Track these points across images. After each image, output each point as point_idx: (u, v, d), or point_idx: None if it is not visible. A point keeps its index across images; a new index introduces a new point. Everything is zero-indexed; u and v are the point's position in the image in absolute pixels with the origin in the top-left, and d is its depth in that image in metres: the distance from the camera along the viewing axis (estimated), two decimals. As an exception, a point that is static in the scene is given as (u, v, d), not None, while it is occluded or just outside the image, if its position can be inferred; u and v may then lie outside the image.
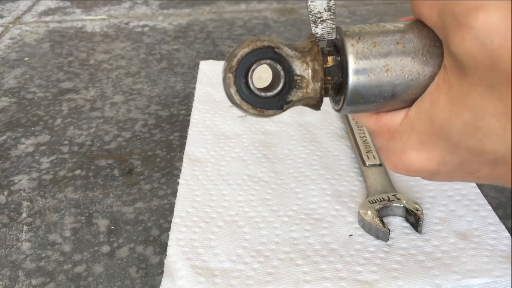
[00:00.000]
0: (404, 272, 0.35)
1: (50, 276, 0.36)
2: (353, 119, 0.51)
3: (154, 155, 0.50)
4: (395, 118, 0.27)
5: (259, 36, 0.26)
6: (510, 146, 0.22)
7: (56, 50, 0.77)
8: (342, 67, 0.26)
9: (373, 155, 0.45)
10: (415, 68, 0.25)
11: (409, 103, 0.26)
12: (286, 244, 0.38)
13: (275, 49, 0.25)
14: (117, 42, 0.79)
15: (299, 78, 0.26)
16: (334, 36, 0.27)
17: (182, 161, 0.47)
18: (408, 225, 0.39)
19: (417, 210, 0.38)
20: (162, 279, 0.35)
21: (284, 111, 0.26)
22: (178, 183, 0.44)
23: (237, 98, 0.26)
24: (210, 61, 0.68)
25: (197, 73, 0.65)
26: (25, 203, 0.44)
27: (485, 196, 0.42)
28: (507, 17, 0.19)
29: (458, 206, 0.40)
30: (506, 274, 0.34)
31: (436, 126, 0.24)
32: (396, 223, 0.39)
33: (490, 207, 0.40)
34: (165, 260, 0.36)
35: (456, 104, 0.22)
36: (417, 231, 0.38)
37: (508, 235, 0.37)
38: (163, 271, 0.36)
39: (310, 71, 0.26)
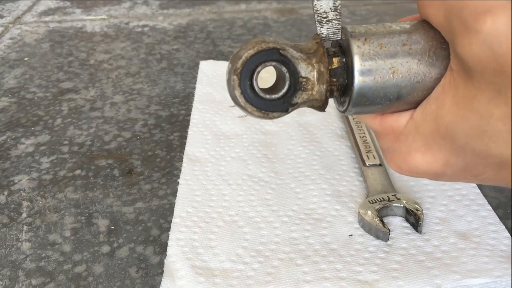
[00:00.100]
0: (404, 272, 0.35)
1: (50, 276, 0.36)
2: (354, 119, 0.51)
3: (154, 155, 0.50)
4: (400, 120, 0.27)
5: (264, 37, 0.26)
6: None
7: (56, 50, 0.77)
8: (347, 69, 0.26)
9: (373, 155, 0.45)
10: (421, 70, 0.25)
11: (415, 105, 0.26)
12: (286, 244, 0.38)
13: (281, 51, 0.25)
14: (117, 42, 0.79)
15: (304, 80, 0.26)
16: (340, 36, 0.27)
17: (182, 161, 0.47)
18: (408, 225, 0.39)
19: (417, 210, 0.38)
20: (162, 279, 0.35)
21: (289, 113, 0.26)
22: (178, 183, 0.44)
23: (241, 100, 0.25)
24: (210, 61, 0.68)
25: (197, 73, 0.65)
26: (25, 203, 0.44)
27: (485, 196, 0.42)
28: None
29: (458, 206, 0.40)
30: (506, 274, 0.34)
31: (441, 128, 0.24)
32: (396, 223, 0.39)
33: (490, 207, 0.40)
34: (165, 260, 0.36)
35: (462, 107, 0.22)
36: (417, 231, 0.38)
37: (508, 235, 0.37)
38: (163, 271, 0.36)
39: (315, 73, 0.26)
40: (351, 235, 0.38)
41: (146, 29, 0.84)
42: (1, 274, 0.37)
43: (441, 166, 0.25)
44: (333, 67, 0.26)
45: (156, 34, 0.82)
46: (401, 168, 0.27)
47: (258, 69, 0.25)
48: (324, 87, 0.26)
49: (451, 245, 0.37)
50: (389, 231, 0.37)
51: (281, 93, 0.26)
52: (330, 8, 0.26)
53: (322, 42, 0.26)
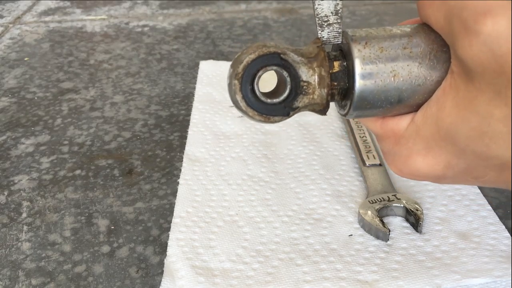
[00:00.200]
0: (404, 272, 0.35)
1: (50, 276, 0.36)
2: (354, 119, 0.51)
3: (154, 155, 0.50)
4: (401, 123, 0.27)
5: (265, 41, 0.26)
6: None
7: (56, 50, 0.77)
8: (348, 72, 0.26)
9: (373, 155, 0.45)
10: (422, 73, 0.25)
11: (416, 108, 0.26)
12: (286, 244, 0.38)
13: (281, 55, 0.25)
14: (117, 42, 0.79)
15: (305, 84, 0.26)
16: (340, 40, 0.27)
17: (182, 161, 0.47)
18: (408, 225, 0.39)
19: (417, 210, 0.38)
20: (162, 279, 0.35)
21: (290, 117, 0.26)
22: (178, 183, 0.44)
23: (243, 104, 0.25)
24: (210, 61, 0.68)
25: (197, 73, 0.65)
26: (25, 203, 0.44)
27: (485, 196, 0.42)
28: None
29: (458, 206, 0.41)
30: (506, 274, 0.34)
31: (442, 130, 0.24)
32: (396, 223, 0.39)
33: (490, 207, 0.40)
34: (165, 260, 0.36)
35: (463, 109, 0.22)
36: (417, 231, 0.38)
37: (508, 235, 0.37)
38: (163, 271, 0.36)
39: (316, 77, 0.26)
40: (351, 235, 0.38)
41: (146, 29, 0.84)
42: (1, 274, 0.37)
43: (442, 169, 0.25)
44: (334, 71, 0.26)
45: (156, 34, 0.82)
46: (402, 171, 0.27)
47: (259, 73, 0.25)
48: (325, 91, 0.26)
49: (451, 245, 0.37)
50: (389, 231, 0.37)
51: (282, 97, 0.26)
52: (331, 12, 0.26)
53: (323, 46, 0.26)
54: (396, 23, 0.27)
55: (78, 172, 0.48)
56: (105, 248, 0.39)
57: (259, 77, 0.25)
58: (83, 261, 0.37)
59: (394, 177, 0.44)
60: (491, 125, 0.21)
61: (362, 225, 0.39)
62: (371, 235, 0.38)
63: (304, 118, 0.54)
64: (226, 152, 0.49)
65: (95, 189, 0.45)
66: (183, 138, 0.52)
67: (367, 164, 0.44)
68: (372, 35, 0.25)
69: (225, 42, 0.77)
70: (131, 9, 0.94)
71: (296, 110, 0.26)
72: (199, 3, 0.96)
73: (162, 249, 0.38)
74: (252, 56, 0.25)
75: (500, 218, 0.39)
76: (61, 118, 0.57)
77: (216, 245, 0.38)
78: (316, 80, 0.26)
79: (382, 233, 0.37)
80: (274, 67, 0.25)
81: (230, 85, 0.25)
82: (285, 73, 0.25)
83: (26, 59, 0.74)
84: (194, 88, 0.61)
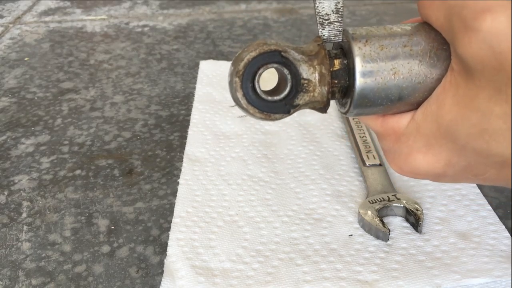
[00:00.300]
0: (404, 272, 0.35)
1: (50, 276, 0.36)
2: (354, 119, 0.51)
3: (154, 155, 0.50)
4: (401, 121, 0.27)
5: (266, 39, 0.26)
6: None
7: (56, 50, 0.77)
8: (349, 70, 0.26)
9: (373, 155, 0.45)
10: (423, 71, 0.25)
11: (416, 106, 0.26)
12: (286, 244, 0.38)
13: (282, 53, 0.25)
14: (117, 42, 0.79)
15: (306, 82, 0.26)
16: (341, 38, 0.27)
17: (182, 161, 0.47)
18: (408, 225, 0.39)
19: (417, 210, 0.38)
20: (162, 279, 0.35)
21: (290, 114, 0.26)
22: (178, 183, 0.44)
23: (243, 102, 0.25)
24: (210, 61, 0.68)
25: (197, 73, 0.65)
26: (25, 203, 0.44)
27: (485, 196, 0.42)
28: None
29: (458, 206, 0.41)
30: (506, 274, 0.34)
31: (442, 128, 0.24)
32: (396, 223, 0.39)
33: (490, 207, 0.40)
34: (165, 260, 0.36)
35: (463, 106, 0.22)
36: (417, 231, 0.38)
37: (508, 235, 0.37)
38: (163, 271, 0.36)
39: (317, 74, 0.26)
40: (351, 235, 0.38)
41: (146, 29, 0.84)
42: (1, 274, 0.37)
43: (442, 167, 0.25)
44: (335, 69, 0.26)
45: (156, 34, 0.82)
46: (402, 169, 0.27)
47: (260, 71, 0.25)
48: (326, 88, 0.26)
49: (451, 245, 0.37)
50: (389, 231, 0.37)
51: (283, 95, 0.26)
52: (332, 10, 0.26)
53: (323, 44, 0.26)
54: (396, 23, 0.27)
55: (78, 172, 0.48)
56: (105, 248, 0.39)
57: (260, 74, 0.25)
58: (83, 261, 0.38)
59: (394, 177, 0.44)
60: (491, 122, 0.22)
61: (362, 225, 0.39)
62: (371, 235, 0.38)
63: (304, 118, 0.54)
64: (226, 152, 0.49)
65: (95, 189, 0.45)
66: (183, 138, 0.52)
67: (367, 164, 0.44)
68: (373, 33, 0.25)
69: (225, 42, 0.77)
70: (131, 9, 0.94)
71: (297, 107, 0.26)
72: (199, 3, 0.96)
73: (162, 249, 0.38)
74: (253, 54, 0.25)
75: (500, 218, 0.39)
76: (61, 118, 0.57)
77: (216, 245, 0.38)
78: (317, 78, 0.26)
79: (382, 233, 0.37)
80: (275, 65, 0.25)
81: (231, 82, 0.25)
82: (285, 71, 0.25)
83: (26, 59, 0.74)
84: (194, 88, 0.61)
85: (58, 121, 0.57)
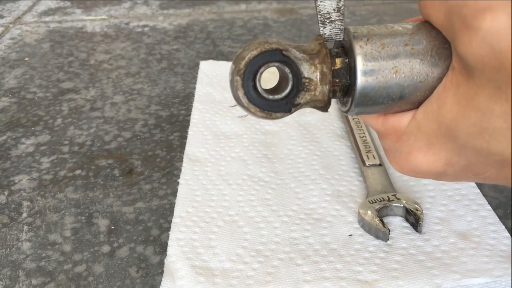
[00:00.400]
0: (404, 272, 0.35)
1: (50, 276, 0.36)
2: (354, 119, 0.51)
3: (154, 155, 0.50)
4: (402, 120, 0.27)
5: (267, 38, 0.26)
6: None
7: (57, 50, 0.77)
8: (350, 69, 0.26)
9: (373, 155, 0.45)
10: (424, 69, 0.25)
11: (417, 105, 0.26)
12: (286, 244, 0.38)
13: (283, 52, 0.25)
14: (117, 42, 0.79)
15: (307, 80, 0.26)
16: (342, 37, 0.27)
17: (182, 161, 0.47)
18: (408, 225, 0.39)
19: (417, 210, 0.38)
20: (162, 279, 0.35)
21: (291, 113, 0.26)
22: (178, 183, 0.44)
23: (244, 101, 0.25)
24: (210, 61, 0.68)
25: (197, 73, 0.65)
26: (25, 203, 0.44)
27: (485, 196, 0.42)
28: None
29: (458, 206, 0.41)
30: (506, 274, 0.34)
31: (443, 127, 0.24)
32: (396, 223, 0.39)
33: (490, 207, 0.40)
34: (165, 260, 0.36)
35: (464, 105, 0.22)
36: (417, 231, 0.38)
37: (508, 235, 0.37)
38: (163, 271, 0.36)
39: (318, 73, 0.26)
40: (351, 235, 0.38)
41: (146, 29, 0.84)
42: (2, 274, 0.37)
43: (442, 166, 0.25)
44: (336, 67, 0.26)
45: (156, 34, 0.82)
46: (403, 168, 0.27)
47: (261, 70, 0.25)
48: (327, 87, 0.26)
49: (451, 245, 0.37)
50: (389, 231, 0.37)
51: (284, 94, 0.26)
52: (333, 9, 0.26)
53: (324, 43, 0.26)
54: (397, 23, 0.27)
55: (78, 172, 0.48)
56: (105, 248, 0.39)
57: (261, 73, 0.25)
58: (83, 261, 0.38)
59: (394, 177, 0.44)
60: (491, 121, 0.22)
61: (362, 225, 0.39)
62: (371, 235, 0.38)
63: (304, 118, 0.54)
64: (226, 152, 0.49)
65: (95, 189, 0.45)
66: (183, 138, 0.52)
67: (367, 164, 0.44)
68: (374, 32, 0.25)
69: (225, 42, 0.77)
70: (131, 9, 0.94)
71: (298, 106, 0.26)
72: (199, 3, 0.96)
73: (162, 249, 0.38)
74: (254, 53, 0.25)
75: (500, 218, 0.39)
76: (61, 118, 0.57)
77: (216, 245, 0.38)
78: (318, 77, 0.26)
79: (382, 233, 0.37)
80: (276, 64, 0.25)
81: (232, 81, 0.25)
82: (287, 70, 0.25)
83: (26, 59, 0.74)
84: (194, 88, 0.61)
85: (58, 121, 0.57)
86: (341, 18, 0.26)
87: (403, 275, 0.34)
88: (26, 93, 0.64)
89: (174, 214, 0.41)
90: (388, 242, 0.37)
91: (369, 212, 0.38)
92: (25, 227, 0.41)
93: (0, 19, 0.91)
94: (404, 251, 0.36)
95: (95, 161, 0.49)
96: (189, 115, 0.55)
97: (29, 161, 0.50)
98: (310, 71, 0.26)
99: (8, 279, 0.36)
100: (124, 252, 0.38)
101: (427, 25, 0.25)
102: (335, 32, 0.27)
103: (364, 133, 0.49)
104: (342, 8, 0.26)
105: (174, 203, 0.42)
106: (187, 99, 0.60)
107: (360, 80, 0.25)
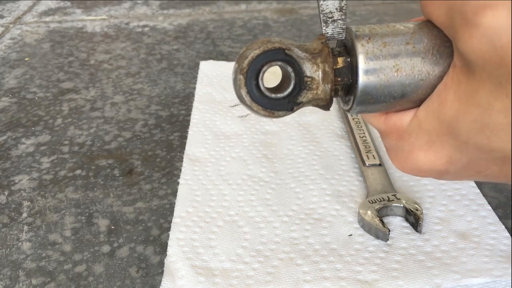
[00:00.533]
0: (404, 272, 0.35)
1: (50, 275, 0.36)
2: (353, 119, 0.51)
3: (154, 155, 0.50)
4: (404, 118, 0.27)
5: (270, 37, 0.26)
6: None
7: (57, 50, 0.77)
8: (352, 68, 0.26)
9: (373, 155, 0.45)
10: (425, 68, 0.25)
11: (419, 103, 0.26)
12: (286, 244, 0.38)
13: (286, 51, 0.25)
14: (117, 42, 0.79)
15: (309, 79, 0.26)
16: (344, 36, 0.27)
17: (182, 161, 0.47)
18: (408, 225, 0.39)
19: (417, 210, 0.38)
20: (162, 279, 0.35)
21: (294, 112, 0.27)
22: (178, 183, 0.44)
23: (247, 99, 0.26)
24: (210, 61, 0.68)
25: (197, 73, 0.65)
26: (25, 203, 0.44)
27: (485, 196, 0.42)
28: None
29: (457, 206, 0.41)
30: (506, 273, 0.34)
31: (444, 125, 0.24)
32: (396, 223, 0.39)
33: (489, 207, 0.40)
34: (165, 260, 0.36)
35: (465, 101, 0.23)
36: (417, 231, 0.38)
37: (508, 235, 0.37)
38: (163, 271, 0.36)
39: (320, 72, 0.26)
40: (351, 235, 0.38)
41: (146, 29, 0.84)
42: (2, 273, 0.37)
43: (444, 164, 0.25)
44: (338, 66, 0.26)
45: (156, 34, 0.82)
46: (404, 167, 0.27)
47: (264, 68, 0.25)
48: (329, 86, 0.26)
49: (450, 245, 0.37)
50: (389, 231, 0.37)
51: (286, 93, 0.26)
52: (336, 8, 0.26)
53: (327, 42, 0.27)
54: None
55: (78, 172, 0.48)
56: (106, 248, 0.39)
57: (264, 72, 0.25)
58: (84, 261, 0.38)
59: (394, 177, 0.44)
60: (492, 117, 0.22)
61: (362, 225, 0.39)
62: (371, 235, 0.38)
63: (304, 118, 0.54)
64: (226, 152, 0.49)
65: (95, 189, 0.45)
66: (183, 138, 0.52)
67: (367, 164, 0.44)
68: (376, 31, 0.26)
69: (225, 42, 0.77)
70: (131, 9, 0.94)
71: (300, 105, 0.26)
72: (199, 3, 0.96)
73: (162, 249, 0.38)
74: (257, 52, 0.25)
75: (500, 218, 0.39)
76: (61, 118, 0.57)
77: (216, 245, 0.38)
78: (320, 76, 0.26)
79: (382, 233, 0.37)
80: (279, 63, 0.26)
81: (235, 80, 0.26)
82: (289, 69, 0.26)
83: (26, 59, 0.74)
84: (194, 88, 0.61)
85: (58, 121, 0.57)
86: (343, 17, 0.27)
87: (403, 275, 0.34)
88: (26, 93, 0.64)
89: (174, 214, 0.41)
90: (388, 242, 0.37)
91: (369, 212, 0.38)
92: (25, 227, 0.41)
93: (0, 19, 0.91)
94: (404, 251, 0.36)
95: (95, 161, 0.49)
96: (189, 115, 0.55)
97: (29, 161, 0.50)
98: (312, 70, 0.26)
99: (8, 279, 0.36)
100: (124, 252, 0.38)
101: (428, 24, 0.25)
102: (337, 31, 0.27)
103: (364, 133, 0.49)
104: (344, 8, 0.26)
105: (174, 203, 0.42)
106: (187, 99, 0.60)
107: (362, 78, 0.25)
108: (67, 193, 0.45)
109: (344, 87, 0.27)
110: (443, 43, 0.25)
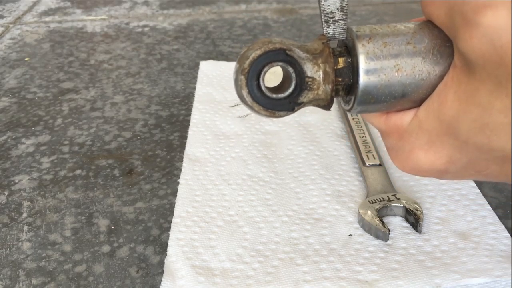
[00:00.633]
0: (404, 272, 0.35)
1: (50, 275, 0.36)
2: (353, 119, 0.51)
3: (154, 155, 0.50)
4: (405, 118, 0.27)
5: (271, 38, 0.26)
6: None
7: (57, 50, 0.77)
8: (352, 68, 0.26)
9: (373, 155, 0.45)
10: (426, 68, 0.25)
11: (419, 103, 0.26)
12: (286, 244, 0.38)
13: (287, 51, 0.26)
14: (117, 42, 0.79)
15: (310, 80, 0.26)
16: (345, 36, 0.27)
17: (182, 161, 0.47)
18: (408, 225, 0.39)
19: (416, 210, 0.38)
20: (162, 279, 0.35)
21: (295, 112, 0.27)
22: (178, 183, 0.44)
23: (248, 99, 0.26)
24: (210, 61, 0.68)
25: (197, 73, 0.65)
26: (25, 203, 0.44)
27: (485, 196, 0.42)
28: None
29: (457, 206, 0.41)
30: (506, 273, 0.34)
31: (444, 124, 0.24)
32: (396, 223, 0.39)
33: (489, 207, 0.40)
34: (165, 260, 0.36)
35: (465, 101, 0.23)
36: (416, 231, 0.38)
37: (508, 235, 0.37)
38: (163, 270, 0.36)
39: (321, 73, 0.26)
40: (351, 235, 0.38)
41: (146, 29, 0.84)
42: (2, 273, 0.37)
43: (444, 163, 0.25)
44: (339, 67, 0.26)
45: (156, 34, 0.82)
46: (404, 166, 0.27)
47: (265, 69, 0.25)
48: (330, 86, 0.26)
49: (450, 244, 0.37)
50: (389, 231, 0.37)
51: (287, 93, 0.26)
52: (337, 9, 0.26)
53: (328, 42, 0.27)
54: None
55: (78, 172, 0.48)
56: (106, 248, 0.39)
57: (265, 72, 0.26)
58: (84, 261, 0.38)
59: (394, 177, 0.44)
60: (492, 116, 0.22)
61: (362, 225, 0.39)
62: (371, 235, 0.38)
63: (304, 118, 0.54)
64: (226, 152, 0.49)
65: (95, 189, 0.45)
66: (183, 138, 0.52)
67: (367, 164, 0.44)
68: (376, 31, 0.26)
69: (225, 42, 0.77)
70: (131, 9, 0.94)
71: (301, 105, 0.27)
72: (199, 3, 0.96)
73: (162, 249, 0.38)
74: (258, 52, 0.25)
75: (500, 218, 0.39)
76: (61, 118, 0.57)
77: (216, 245, 0.38)
78: (321, 76, 0.26)
79: (382, 233, 0.37)
80: (280, 63, 0.26)
81: (236, 80, 0.26)
82: (290, 69, 0.26)
83: (26, 59, 0.74)
84: (194, 88, 0.61)
85: (58, 121, 0.57)
86: (344, 17, 0.27)
87: (403, 275, 0.34)
88: (26, 93, 0.64)
89: (174, 214, 0.41)
90: (388, 242, 0.37)
91: (369, 212, 0.38)
92: (25, 227, 0.41)
93: (0, 19, 0.91)
94: (404, 251, 0.36)
95: (95, 161, 0.49)
96: (189, 115, 0.55)
97: (29, 161, 0.50)
98: (313, 71, 0.26)
99: (8, 279, 0.36)
100: (124, 252, 0.38)
101: (429, 24, 0.26)
102: (338, 32, 0.27)
103: (364, 133, 0.49)
104: (345, 8, 0.27)
105: (174, 203, 0.42)
106: (187, 99, 0.60)
107: (363, 78, 0.25)
108: (67, 193, 0.45)
109: (345, 87, 0.27)
110: (444, 43, 0.25)
